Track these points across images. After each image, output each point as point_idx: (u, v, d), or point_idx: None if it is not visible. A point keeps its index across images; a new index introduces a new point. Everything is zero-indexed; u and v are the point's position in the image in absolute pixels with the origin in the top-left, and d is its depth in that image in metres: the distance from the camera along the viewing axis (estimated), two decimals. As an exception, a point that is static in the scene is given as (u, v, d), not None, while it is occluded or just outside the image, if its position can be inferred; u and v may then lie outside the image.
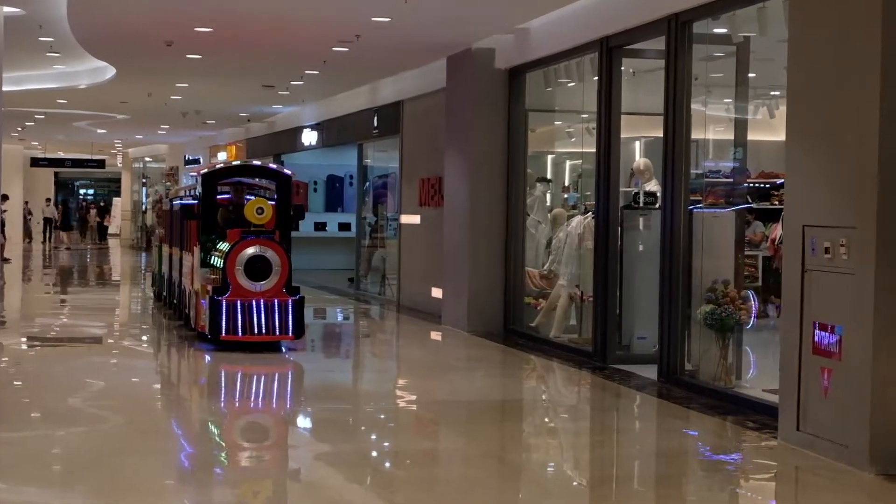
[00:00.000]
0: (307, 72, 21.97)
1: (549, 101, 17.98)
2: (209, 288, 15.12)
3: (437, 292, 19.58)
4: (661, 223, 13.17)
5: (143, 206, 51.41)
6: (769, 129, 15.20)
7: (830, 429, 9.21)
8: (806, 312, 9.55)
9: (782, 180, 11.26)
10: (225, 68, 22.02)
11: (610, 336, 14.52)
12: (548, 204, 18.23)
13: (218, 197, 16.40)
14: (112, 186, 67.94)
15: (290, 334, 15.04)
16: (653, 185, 14.83)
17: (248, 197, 16.52)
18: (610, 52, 14.58)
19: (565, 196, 18.63)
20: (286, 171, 16.45)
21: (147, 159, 52.87)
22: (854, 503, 8.26)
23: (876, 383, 8.82)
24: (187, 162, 44.73)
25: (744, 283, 13.34)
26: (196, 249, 16.08)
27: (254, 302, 14.89)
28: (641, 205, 14.72)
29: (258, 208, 15.15)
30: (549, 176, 19.22)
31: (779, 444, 9.81)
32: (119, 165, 57.14)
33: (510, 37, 17.37)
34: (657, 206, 14.14)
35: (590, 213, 15.41)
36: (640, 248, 14.66)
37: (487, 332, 17.52)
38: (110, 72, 23.12)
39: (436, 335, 17.96)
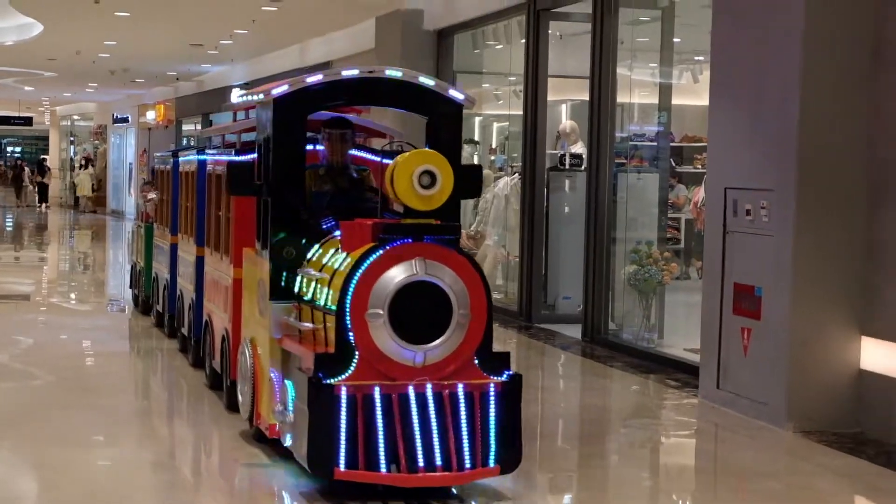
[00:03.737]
0: (236, 31, 21.77)
1: (477, 63, 17.96)
2: (305, 353, 7.03)
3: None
4: (587, 185, 13.22)
5: (72, 165, 50.71)
6: (693, 93, 15.30)
7: (750, 387, 9.32)
8: (727, 274, 9.62)
9: (705, 144, 11.33)
10: (154, 26, 21.74)
11: (535, 296, 14.57)
12: (475, 165, 18.15)
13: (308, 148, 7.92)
14: (40, 144, 66.96)
15: (493, 463, 6.84)
16: (579, 148, 14.87)
17: (368, 154, 9.23)
18: (538, 14, 14.57)
19: (492, 158, 18.62)
20: (455, 91, 7.81)
21: (75, 117, 52.18)
22: (772, 460, 8.37)
23: (794, 343, 8.92)
24: (115, 120, 44.22)
25: (667, 245, 13.44)
26: (260, 259, 7.91)
27: (411, 391, 6.73)
28: (567, 167, 14.75)
29: (424, 173, 6.84)
30: (476, 138, 19.20)
31: (699, 402, 9.92)
32: (47, 123, 56.33)
33: (439, -2, 17.27)
34: (583, 168, 14.18)
35: (516, 174, 15.43)
36: (566, 209, 14.70)
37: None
38: (37, 28, 22.72)
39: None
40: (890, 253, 8.71)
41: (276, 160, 7.60)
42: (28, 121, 48.42)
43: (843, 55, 8.87)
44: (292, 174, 7.64)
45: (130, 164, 42.16)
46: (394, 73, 7.70)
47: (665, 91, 13.23)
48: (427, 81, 7.72)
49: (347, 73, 7.67)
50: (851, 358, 8.90)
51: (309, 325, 7.14)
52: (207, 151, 11.13)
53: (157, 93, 37.22)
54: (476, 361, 6.88)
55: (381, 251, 6.75)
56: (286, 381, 7.35)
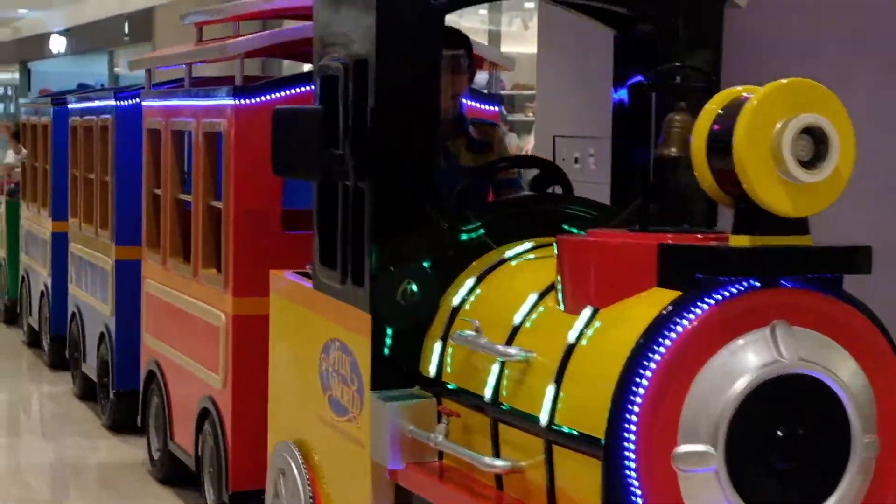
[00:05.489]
0: (54, -27, 19.44)
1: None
2: None
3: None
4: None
5: None
6: (523, 40, 14.28)
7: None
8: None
9: (535, 92, 10.41)
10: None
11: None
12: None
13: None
14: None
15: None
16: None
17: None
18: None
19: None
20: None
21: None
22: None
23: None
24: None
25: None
26: (335, 302, 3.79)
27: None
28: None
29: (806, 133, 2.66)
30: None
31: None
32: None
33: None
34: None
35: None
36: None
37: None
38: None
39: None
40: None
41: (381, 107, 3.56)
42: None
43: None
44: (415, 136, 3.59)
45: (-60, 114, 38.76)
46: None
47: (494, 38, 12.53)
48: None
49: None
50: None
51: (503, 463, 3.06)
52: (144, 93, 6.33)
53: (-32, 40, 34.13)
54: None
55: (694, 312, 2.74)
56: None
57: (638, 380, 2.67)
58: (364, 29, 3.60)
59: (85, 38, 24.60)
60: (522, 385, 3.04)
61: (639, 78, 3.77)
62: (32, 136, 9.23)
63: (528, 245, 3.55)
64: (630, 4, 3.78)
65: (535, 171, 4.06)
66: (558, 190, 4.04)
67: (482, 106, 5.27)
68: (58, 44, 25.88)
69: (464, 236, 3.61)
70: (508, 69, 5.74)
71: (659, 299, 2.78)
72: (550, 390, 2.88)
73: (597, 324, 2.90)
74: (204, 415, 5.15)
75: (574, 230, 3.61)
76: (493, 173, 4.09)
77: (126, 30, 21.37)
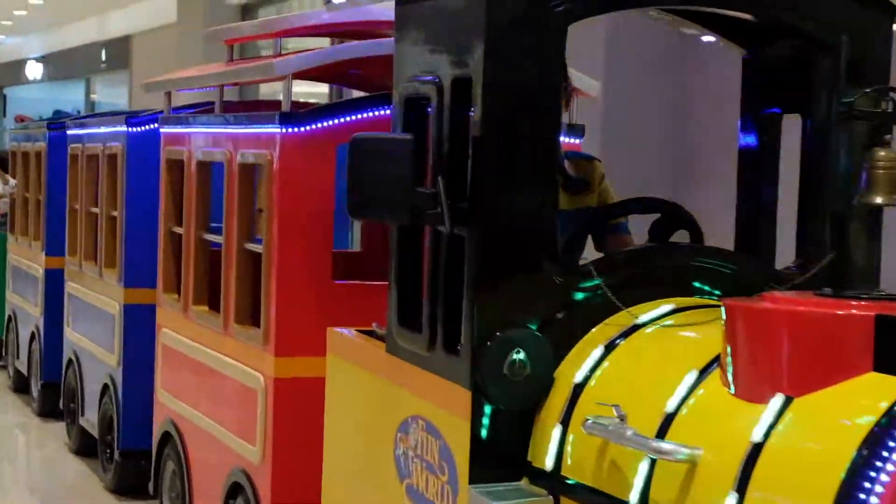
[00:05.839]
0: (31, 1, 19.26)
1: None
2: None
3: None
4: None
5: None
6: None
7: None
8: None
9: None
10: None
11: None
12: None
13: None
14: None
15: None
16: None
17: None
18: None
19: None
20: None
21: None
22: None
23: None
24: None
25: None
26: (415, 371, 3.23)
27: None
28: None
29: None
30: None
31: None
32: None
33: (244, -33, 14.86)
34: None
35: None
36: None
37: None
38: None
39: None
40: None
41: (488, 136, 2.96)
42: None
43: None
44: (529, 172, 2.99)
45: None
46: None
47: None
48: None
49: None
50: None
51: None
52: (161, 118, 5.76)
53: (-54, 66, 33.50)
54: None
55: None
56: None
57: (863, 498, 2.06)
58: (468, 40, 2.96)
59: (61, 65, 24.18)
60: (685, 492, 2.39)
61: (775, 108, 3.23)
62: (24, 164, 8.44)
63: (666, 307, 2.97)
64: (775, 19, 3.14)
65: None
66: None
67: (564, 138, 4.56)
68: (34, 70, 25.48)
69: (579, 295, 2.98)
70: (592, 96, 4.97)
71: (881, 389, 2.19)
72: (731, 501, 2.27)
73: (791, 417, 2.27)
74: (235, 490, 4.51)
75: (707, 287, 3.05)
76: (609, 217, 3.53)
77: (103, 57, 20.98)
